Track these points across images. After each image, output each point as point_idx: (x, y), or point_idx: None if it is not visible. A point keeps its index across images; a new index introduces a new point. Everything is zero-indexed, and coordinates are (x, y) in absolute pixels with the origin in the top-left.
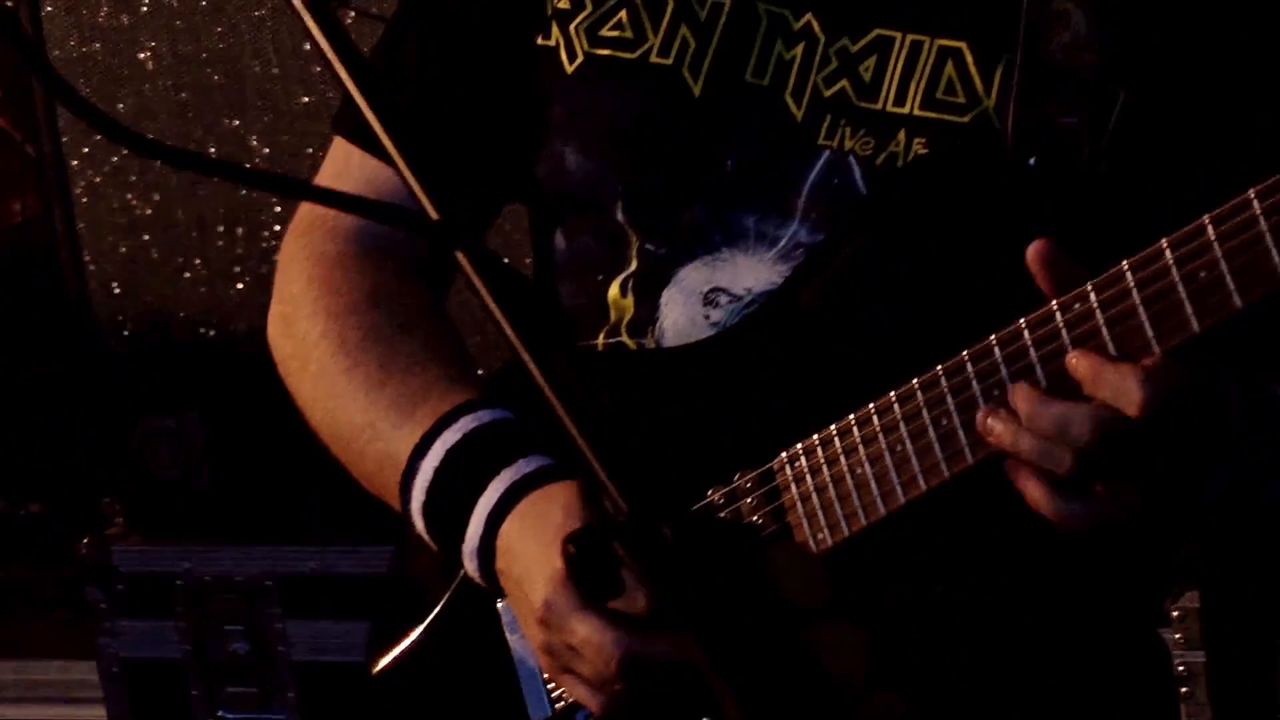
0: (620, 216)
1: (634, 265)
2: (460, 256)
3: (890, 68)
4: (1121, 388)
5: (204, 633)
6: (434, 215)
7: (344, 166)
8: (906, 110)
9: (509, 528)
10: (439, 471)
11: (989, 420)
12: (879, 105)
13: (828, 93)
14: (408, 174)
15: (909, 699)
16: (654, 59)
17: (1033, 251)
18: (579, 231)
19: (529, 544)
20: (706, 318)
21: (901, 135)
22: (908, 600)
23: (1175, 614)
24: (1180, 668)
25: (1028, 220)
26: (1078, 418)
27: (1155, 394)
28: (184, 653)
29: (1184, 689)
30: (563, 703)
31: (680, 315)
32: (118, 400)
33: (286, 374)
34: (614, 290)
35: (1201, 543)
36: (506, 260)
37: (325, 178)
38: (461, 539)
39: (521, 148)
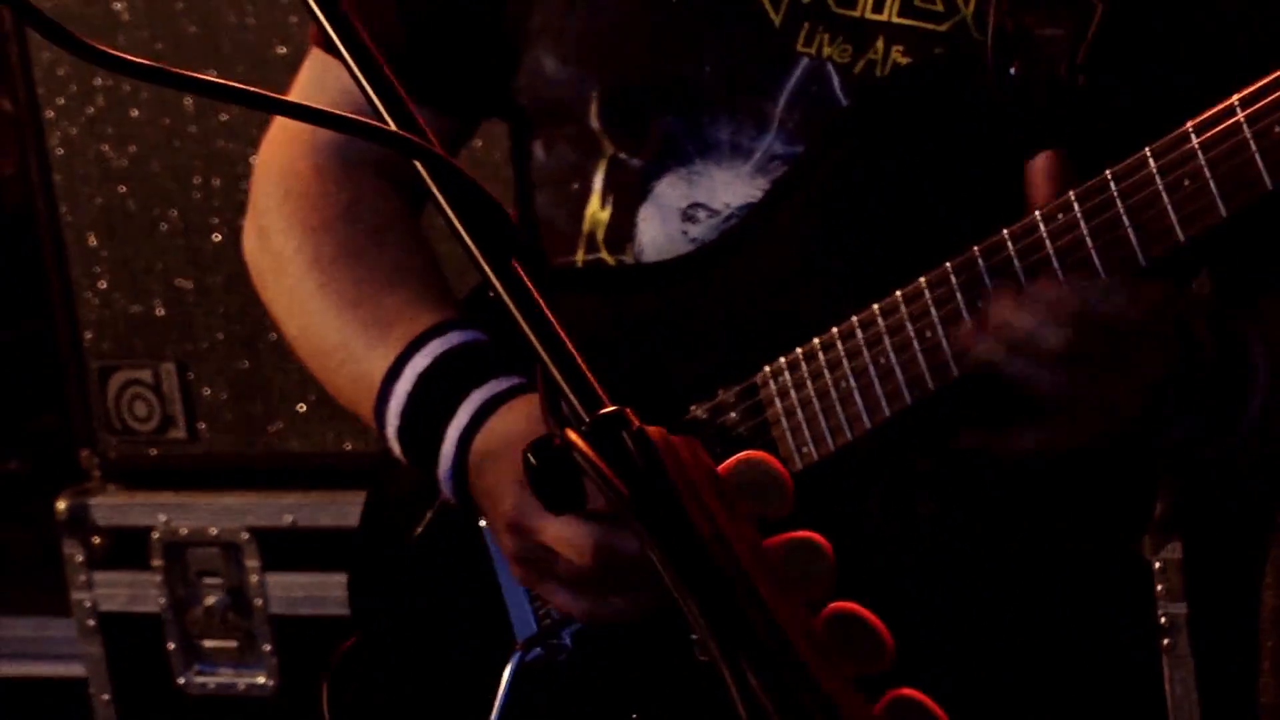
0: (595, 123)
1: (608, 174)
2: (419, 166)
3: None
4: (1078, 290)
5: (181, 586)
6: (392, 125)
7: (320, 77)
8: (885, 17)
9: (478, 445)
10: (411, 396)
11: (960, 329)
12: (857, 12)
13: None
14: (364, 82)
15: (879, 613)
16: None
17: (1039, 162)
18: (556, 140)
19: (497, 460)
20: (685, 234)
21: (880, 43)
22: (889, 518)
23: (1157, 565)
24: (1162, 619)
25: (1009, 131)
26: (1053, 320)
27: (1122, 299)
28: (161, 606)
29: (1166, 640)
30: (549, 620)
31: (659, 232)
32: (94, 353)
33: (262, 287)
34: (593, 202)
35: (1175, 491)
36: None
37: (300, 87)
38: (436, 463)
39: (502, 60)
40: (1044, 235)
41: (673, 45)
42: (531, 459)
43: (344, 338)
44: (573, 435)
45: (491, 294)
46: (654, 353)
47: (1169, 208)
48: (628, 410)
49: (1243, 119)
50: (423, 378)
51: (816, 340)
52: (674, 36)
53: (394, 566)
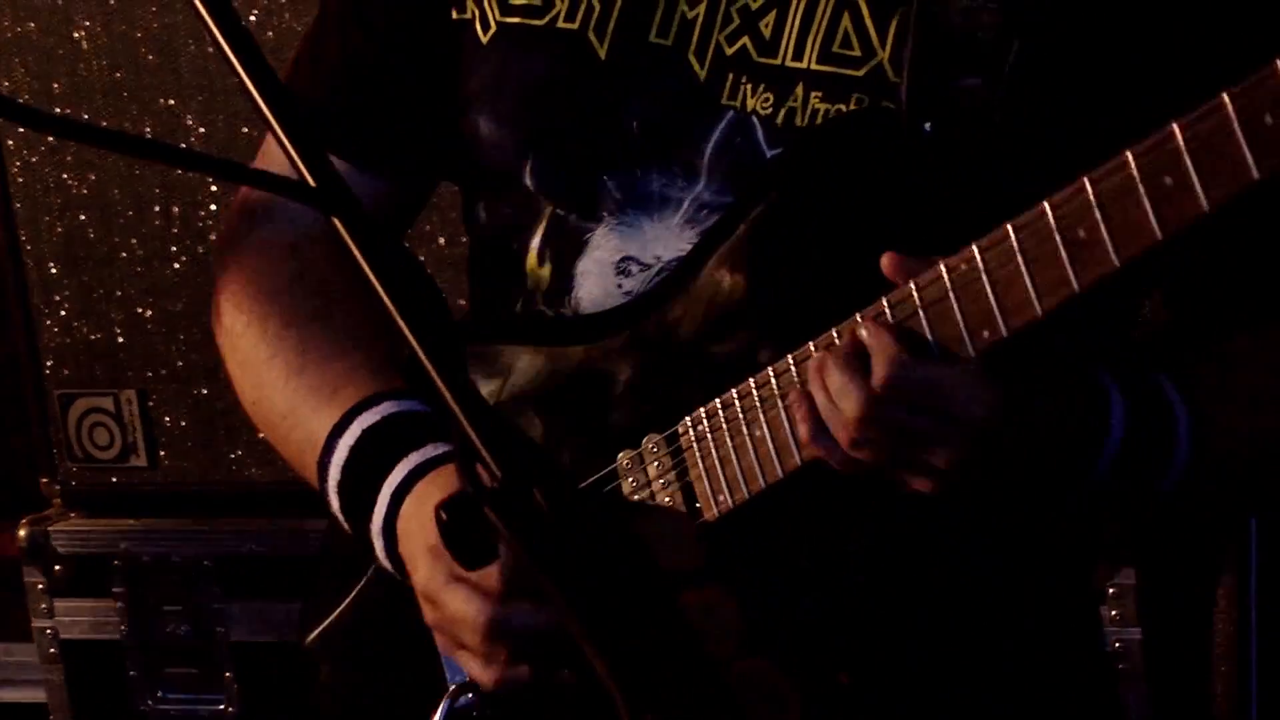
0: (529, 182)
1: (545, 232)
2: (336, 222)
3: (789, 22)
4: (875, 356)
5: (142, 613)
6: (311, 182)
7: (273, 149)
8: (804, 65)
9: (406, 509)
10: (354, 450)
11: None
12: (778, 60)
13: (730, 50)
14: (285, 141)
15: (786, 667)
16: (561, 24)
17: (885, 264)
18: (496, 202)
19: (419, 527)
20: (619, 287)
21: (799, 90)
22: (818, 558)
23: (1111, 591)
24: (1116, 644)
25: (925, 185)
26: (853, 387)
27: (903, 376)
28: (122, 634)
29: (1120, 665)
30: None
31: (595, 285)
32: (55, 380)
33: (224, 360)
34: (531, 259)
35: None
36: (391, 233)
37: (262, 157)
38: (369, 518)
39: (444, 123)
40: (916, 302)
41: (601, 103)
42: (443, 515)
43: (292, 404)
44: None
45: (407, 353)
46: (586, 402)
47: (1064, 256)
48: (546, 464)
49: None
50: (367, 432)
51: (733, 390)
52: (603, 93)
53: (339, 618)
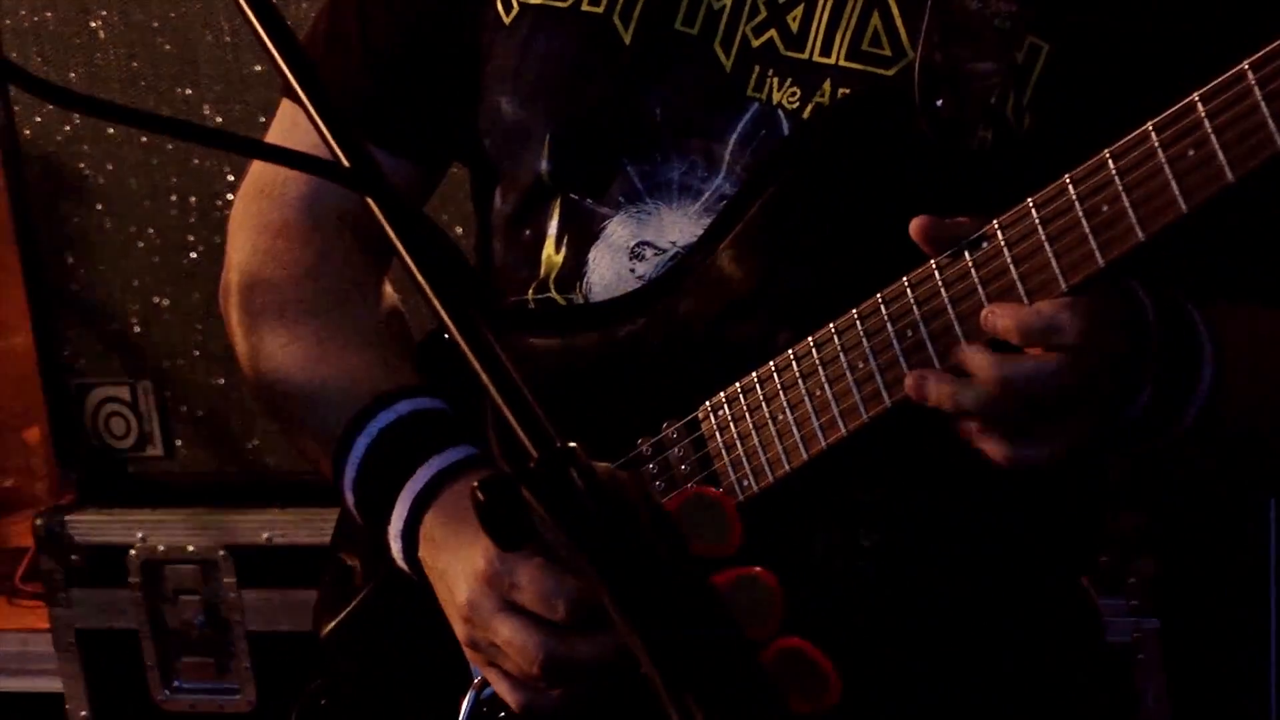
0: (544, 166)
1: (562, 217)
2: (370, 202)
3: (817, 17)
4: (1055, 326)
5: (158, 603)
6: (345, 162)
7: (290, 128)
8: (833, 60)
9: (432, 517)
10: (371, 449)
11: (927, 383)
12: (806, 55)
13: (756, 43)
14: (318, 119)
15: (825, 648)
16: (585, 7)
17: (914, 227)
18: (512, 186)
19: (450, 538)
20: (632, 271)
21: (827, 86)
22: (831, 551)
23: (1130, 581)
24: (1135, 634)
25: (941, 163)
26: (1039, 376)
27: (1085, 327)
28: (139, 623)
29: (1139, 656)
30: None
31: (607, 270)
32: (72, 370)
33: (233, 341)
34: (549, 246)
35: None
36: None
37: (271, 136)
38: (387, 520)
39: (464, 103)
40: (969, 264)
41: (624, 89)
42: (480, 495)
43: (307, 393)
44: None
45: (446, 335)
46: (601, 389)
47: (1088, 233)
48: (578, 447)
49: (1157, 144)
50: (384, 432)
51: (754, 374)
52: (626, 79)
53: (356, 610)
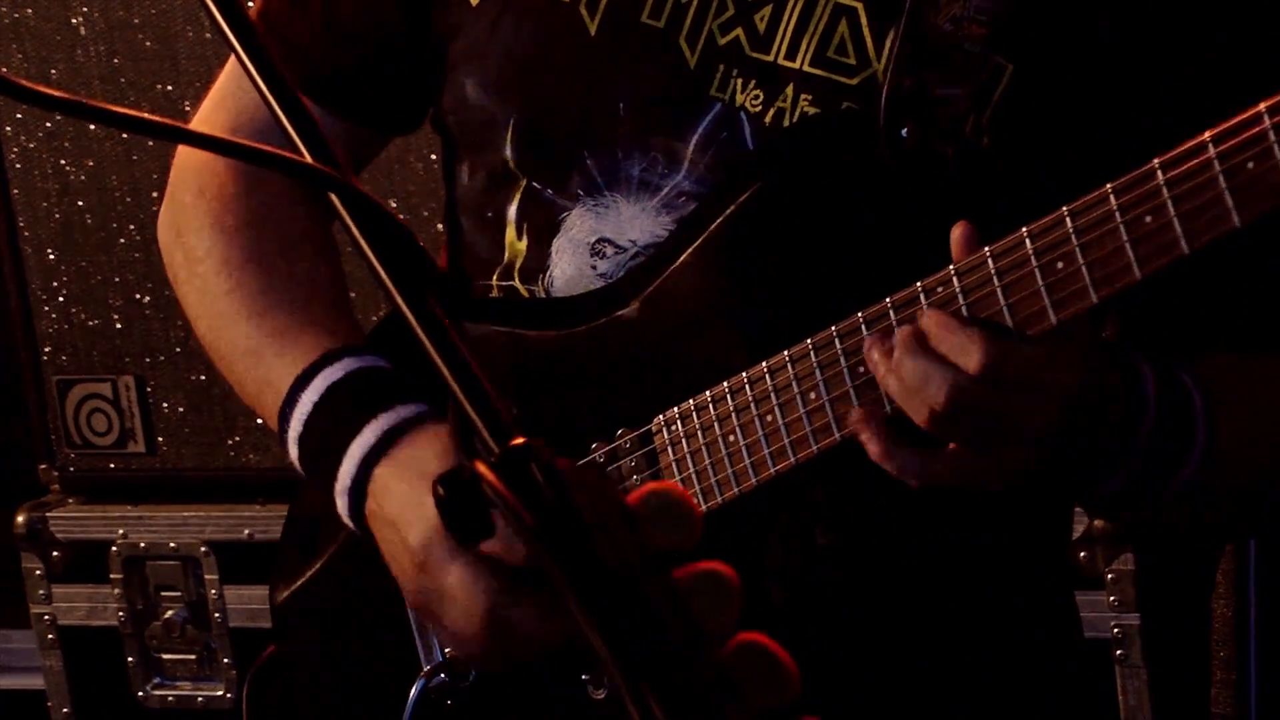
0: (509, 152)
1: (522, 204)
2: (333, 198)
3: (785, 20)
4: (963, 348)
5: (140, 599)
6: (308, 158)
7: (240, 82)
8: (797, 65)
9: (383, 471)
10: (318, 405)
11: (873, 350)
12: (771, 57)
13: (722, 40)
14: (282, 116)
15: (785, 644)
16: None
17: (958, 234)
18: (476, 167)
19: (403, 486)
20: (594, 268)
21: (790, 90)
22: (788, 551)
23: (1110, 576)
24: (1115, 630)
25: (903, 190)
26: (937, 376)
27: (1001, 362)
28: (120, 619)
29: (1119, 651)
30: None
31: (569, 264)
32: (53, 366)
33: (174, 280)
34: (510, 232)
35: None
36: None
37: (220, 87)
38: (334, 477)
39: (428, 80)
40: (923, 308)
41: (588, 80)
42: (440, 490)
43: (253, 343)
44: (482, 467)
45: (404, 324)
46: (558, 389)
47: (1083, 268)
48: (538, 442)
49: (1115, 207)
50: (332, 388)
51: (708, 393)
52: (591, 71)
53: (311, 580)
